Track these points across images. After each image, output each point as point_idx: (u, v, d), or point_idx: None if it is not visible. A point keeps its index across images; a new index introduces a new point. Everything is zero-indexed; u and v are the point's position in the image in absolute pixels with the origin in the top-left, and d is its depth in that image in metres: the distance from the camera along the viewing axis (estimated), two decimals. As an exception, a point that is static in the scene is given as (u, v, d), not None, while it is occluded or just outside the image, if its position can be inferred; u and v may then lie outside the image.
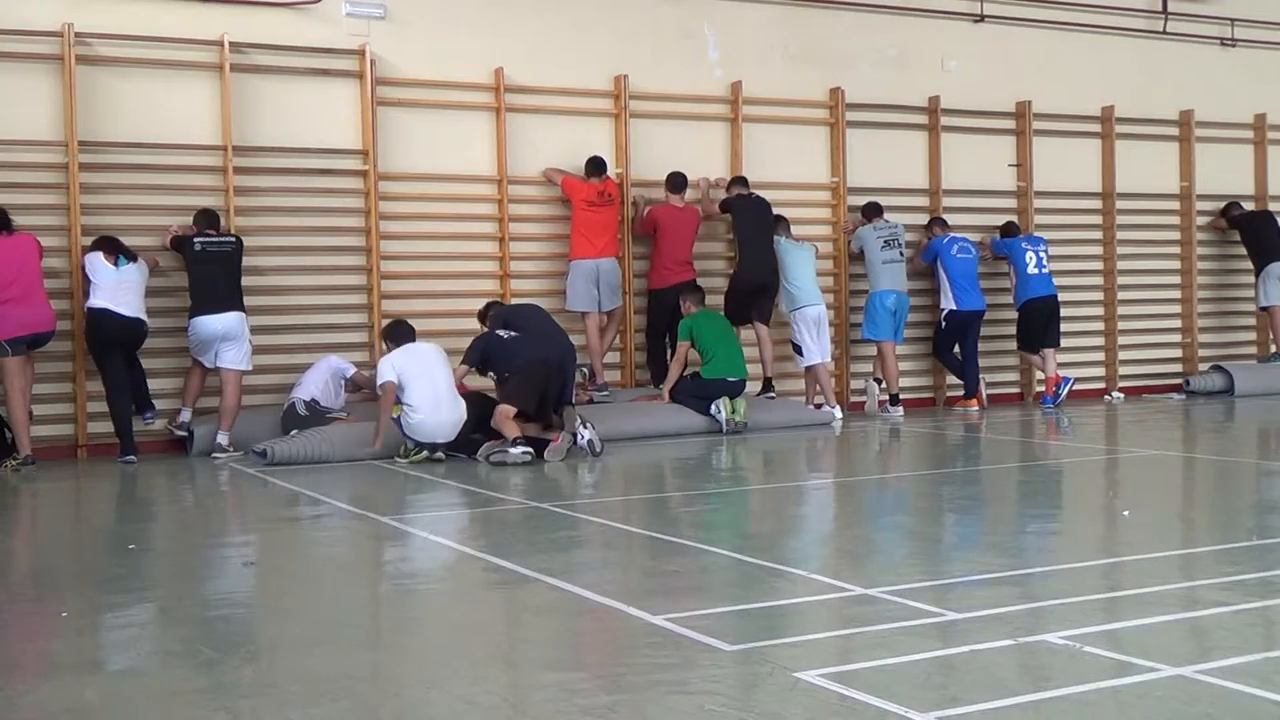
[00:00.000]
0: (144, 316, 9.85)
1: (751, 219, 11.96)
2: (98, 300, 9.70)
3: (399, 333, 9.88)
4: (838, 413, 12.16)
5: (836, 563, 6.05)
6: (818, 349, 12.14)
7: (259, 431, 10.01)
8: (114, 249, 9.78)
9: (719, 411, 11.00)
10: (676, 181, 11.86)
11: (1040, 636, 4.34)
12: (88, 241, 9.94)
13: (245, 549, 6.75)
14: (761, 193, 12.35)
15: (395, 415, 9.44)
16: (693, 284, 11.67)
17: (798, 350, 12.19)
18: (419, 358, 9.54)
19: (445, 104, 11.48)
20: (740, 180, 12.16)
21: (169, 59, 10.50)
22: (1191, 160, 14.73)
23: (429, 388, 9.39)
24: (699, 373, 11.23)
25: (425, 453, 9.46)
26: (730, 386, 11.12)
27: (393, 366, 9.44)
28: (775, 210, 12.27)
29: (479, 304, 11.49)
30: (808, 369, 12.24)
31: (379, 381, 9.50)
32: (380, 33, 11.19)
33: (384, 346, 10.11)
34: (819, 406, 12.12)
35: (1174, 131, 14.75)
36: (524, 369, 9.70)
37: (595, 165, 11.61)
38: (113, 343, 9.76)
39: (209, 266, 9.98)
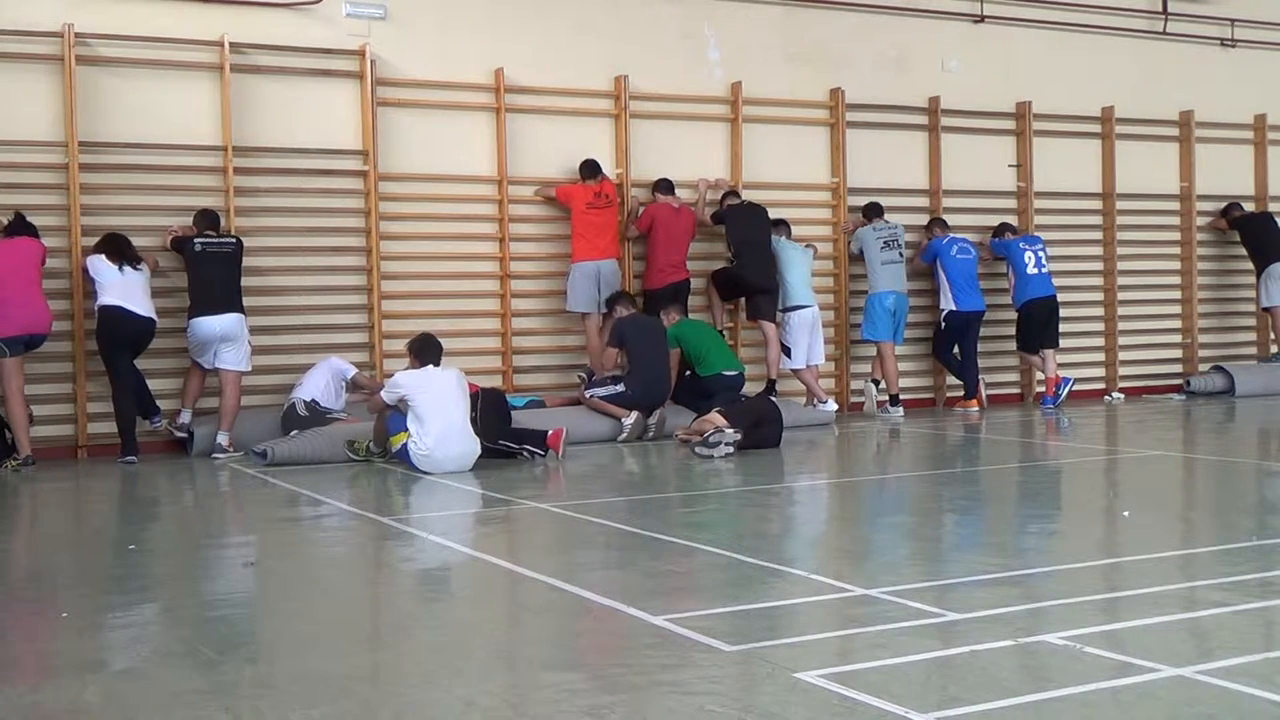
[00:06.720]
0: (155, 316, 9.85)
1: (747, 223, 11.92)
2: (110, 298, 9.66)
3: (425, 352, 9.11)
4: (832, 404, 12.20)
5: (836, 563, 6.05)
6: (809, 352, 12.15)
7: (259, 432, 10.02)
8: (118, 255, 9.73)
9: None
10: (664, 184, 11.86)
11: (1040, 636, 4.34)
12: (88, 241, 9.94)
13: (245, 549, 6.75)
14: (761, 193, 12.36)
15: (401, 444, 8.91)
16: (676, 293, 11.62)
17: (786, 352, 12.19)
18: (437, 385, 8.88)
19: (446, 104, 11.48)
20: (732, 193, 12.19)
21: (169, 59, 10.51)
22: (1191, 161, 14.73)
23: (441, 420, 8.77)
24: (696, 373, 11.22)
25: (377, 455, 9.33)
26: (729, 381, 11.09)
27: (402, 390, 8.84)
28: (775, 211, 12.28)
29: (479, 305, 11.54)
30: (795, 371, 12.25)
31: (382, 393, 9.01)
32: (380, 33, 11.19)
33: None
34: (815, 407, 12.13)
35: (1174, 132, 14.75)
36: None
37: (590, 168, 11.59)
38: (124, 342, 9.75)
39: (209, 267, 9.96)
